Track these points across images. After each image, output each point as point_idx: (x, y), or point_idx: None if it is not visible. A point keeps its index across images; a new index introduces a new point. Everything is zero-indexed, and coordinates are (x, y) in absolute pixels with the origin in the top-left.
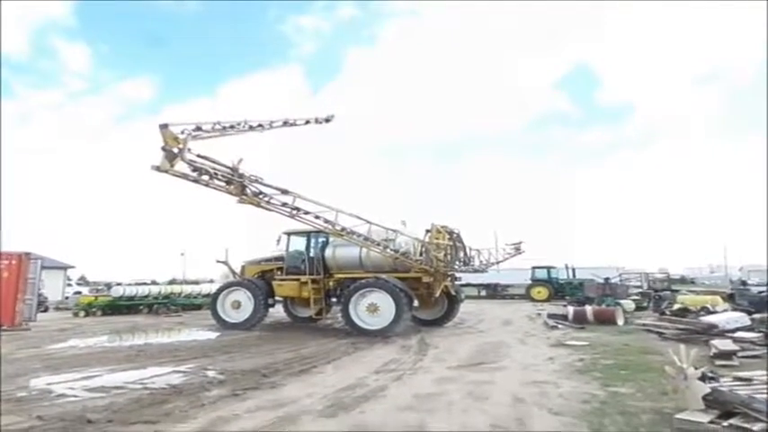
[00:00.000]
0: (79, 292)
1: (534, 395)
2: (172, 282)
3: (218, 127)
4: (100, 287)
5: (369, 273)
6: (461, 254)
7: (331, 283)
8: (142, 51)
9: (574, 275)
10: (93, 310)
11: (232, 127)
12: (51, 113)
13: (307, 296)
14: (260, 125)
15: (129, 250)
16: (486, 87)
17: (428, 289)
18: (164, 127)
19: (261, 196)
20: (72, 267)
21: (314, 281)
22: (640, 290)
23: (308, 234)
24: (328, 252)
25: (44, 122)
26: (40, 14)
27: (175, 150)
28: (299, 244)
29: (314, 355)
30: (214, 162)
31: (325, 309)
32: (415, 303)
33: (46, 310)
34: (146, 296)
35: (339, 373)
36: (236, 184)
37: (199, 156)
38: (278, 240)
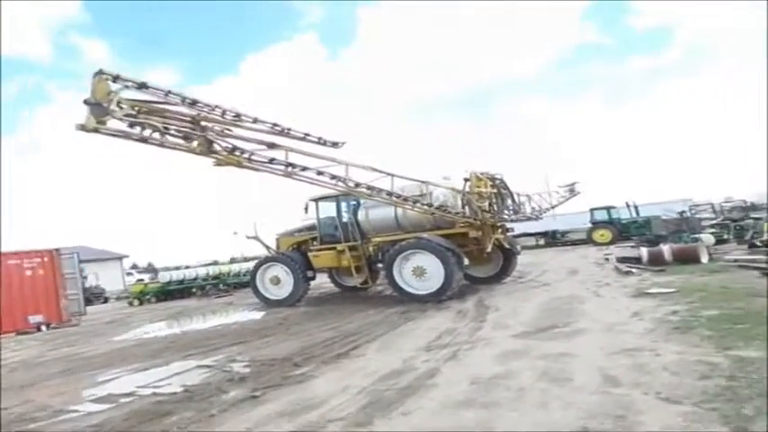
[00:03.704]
0: (141, 280)
1: (630, 371)
2: (232, 261)
3: (201, 105)
4: (151, 274)
5: (408, 233)
6: (509, 201)
7: (371, 249)
8: (157, 41)
9: (637, 213)
10: (147, 297)
11: (237, 116)
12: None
13: (347, 265)
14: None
15: (190, 234)
16: (508, 28)
17: (478, 244)
18: (99, 74)
19: (238, 153)
20: (126, 257)
21: (351, 248)
22: (715, 221)
23: (336, 198)
24: (361, 215)
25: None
26: (57, 15)
27: (105, 104)
28: (329, 210)
29: (357, 331)
30: (164, 113)
31: (371, 276)
32: (466, 261)
33: (106, 301)
34: (194, 279)
35: (383, 354)
36: (200, 139)
37: (142, 109)
38: (305, 208)
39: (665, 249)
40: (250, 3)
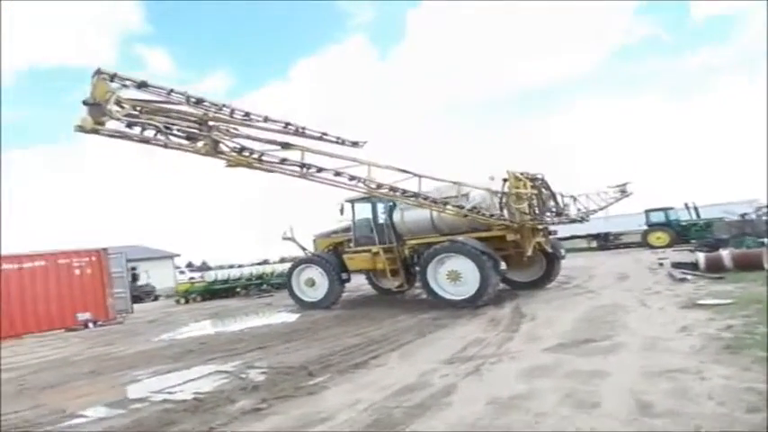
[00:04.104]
0: (192, 278)
1: (668, 397)
2: (282, 261)
3: (207, 105)
4: (202, 273)
5: (444, 235)
6: (551, 202)
7: (406, 251)
8: (213, 48)
9: (697, 215)
10: (193, 296)
11: (246, 115)
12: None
13: (381, 267)
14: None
15: (248, 234)
16: (561, 24)
17: (517, 248)
18: (98, 73)
19: (247, 153)
20: (177, 255)
21: (386, 250)
22: None
23: (371, 199)
24: (396, 216)
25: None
26: (121, 25)
27: (103, 104)
28: (364, 211)
29: (384, 338)
30: (168, 112)
31: (408, 279)
32: (504, 266)
33: (156, 298)
34: (238, 278)
35: (403, 364)
36: (205, 139)
37: (144, 108)
38: (341, 209)
39: (725, 255)
40: (297, 7)
